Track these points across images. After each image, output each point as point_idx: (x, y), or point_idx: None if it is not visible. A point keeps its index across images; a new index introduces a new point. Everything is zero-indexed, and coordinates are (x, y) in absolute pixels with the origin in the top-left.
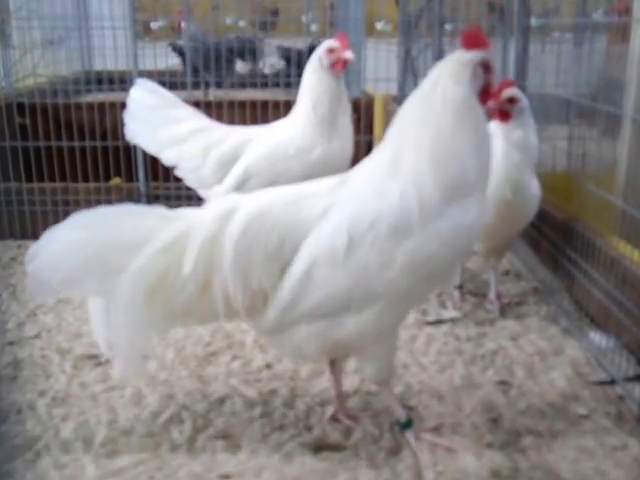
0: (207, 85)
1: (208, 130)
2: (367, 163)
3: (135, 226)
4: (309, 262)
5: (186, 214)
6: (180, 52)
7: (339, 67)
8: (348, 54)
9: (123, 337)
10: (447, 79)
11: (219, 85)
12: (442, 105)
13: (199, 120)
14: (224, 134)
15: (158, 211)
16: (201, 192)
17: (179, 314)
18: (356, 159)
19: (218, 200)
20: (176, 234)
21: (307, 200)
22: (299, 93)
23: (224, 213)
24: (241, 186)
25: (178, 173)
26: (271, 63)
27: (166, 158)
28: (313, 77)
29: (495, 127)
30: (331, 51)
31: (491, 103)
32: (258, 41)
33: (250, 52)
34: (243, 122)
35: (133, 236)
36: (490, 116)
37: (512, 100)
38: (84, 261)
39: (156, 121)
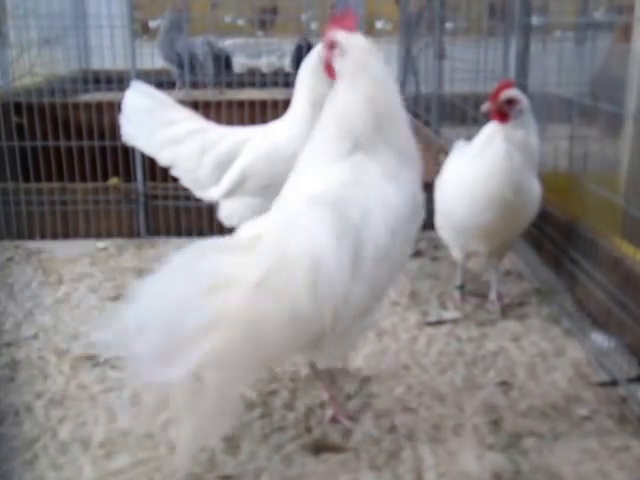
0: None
1: (204, 131)
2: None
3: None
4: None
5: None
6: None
7: None
8: None
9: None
10: (374, 60)
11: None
12: (385, 82)
13: (195, 121)
14: (220, 135)
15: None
16: (197, 193)
17: (271, 359)
18: None
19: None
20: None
21: (340, 210)
22: (295, 92)
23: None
24: (238, 187)
25: (174, 173)
26: (269, 62)
27: (163, 158)
28: (313, 76)
29: (495, 127)
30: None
31: (489, 104)
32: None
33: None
34: (241, 122)
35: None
36: (488, 117)
37: (511, 101)
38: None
39: (152, 123)
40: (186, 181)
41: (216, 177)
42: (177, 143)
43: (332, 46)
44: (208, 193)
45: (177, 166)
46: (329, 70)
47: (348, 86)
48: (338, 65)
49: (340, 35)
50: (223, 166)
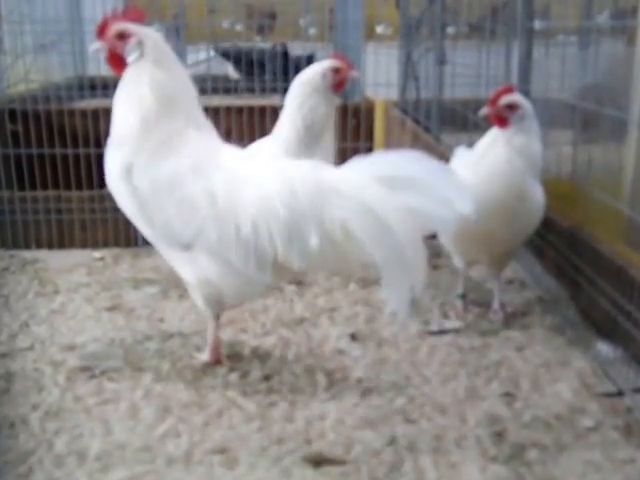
0: None
1: None
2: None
3: None
4: None
5: None
6: (227, 55)
7: (343, 87)
8: (354, 73)
9: None
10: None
11: None
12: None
13: None
14: None
15: None
16: None
17: None
18: None
19: None
20: None
21: None
22: (287, 108)
23: None
24: None
25: None
26: None
27: None
28: (312, 96)
29: (497, 133)
30: (336, 71)
31: (488, 109)
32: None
33: None
34: (240, 128)
35: None
36: (488, 122)
37: (511, 106)
38: None
39: None
40: None
41: None
42: None
43: (122, 37)
44: None
45: None
46: (116, 59)
47: (154, 68)
48: (131, 54)
49: (132, 26)
50: None
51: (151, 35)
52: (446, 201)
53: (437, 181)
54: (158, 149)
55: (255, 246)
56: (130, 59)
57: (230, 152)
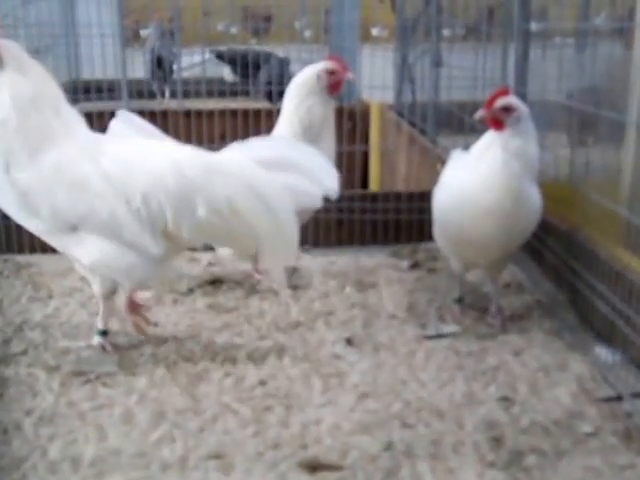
0: (162, 94)
1: None
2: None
3: None
4: None
5: None
6: (222, 58)
7: (338, 89)
8: (350, 75)
9: None
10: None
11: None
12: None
13: None
14: None
15: None
16: None
17: None
18: (352, 170)
19: None
20: None
21: None
22: (284, 110)
23: None
24: None
25: None
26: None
27: None
28: (308, 98)
29: (493, 136)
30: (331, 73)
31: (484, 111)
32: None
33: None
34: (234, 131)
35: None
36: (484, 124)
37: (507, 109)
38: None
39: None
40: None
41: None
42: None
43: None
44: None
45: None
46: None
47: (13, 75)
48: None
49: None
50: None
51: (7, 45)
52: (316, 180)
53: (308, 163)
54: (36, 144)
55: (146, 217)
56: None
57: (112, 140)
